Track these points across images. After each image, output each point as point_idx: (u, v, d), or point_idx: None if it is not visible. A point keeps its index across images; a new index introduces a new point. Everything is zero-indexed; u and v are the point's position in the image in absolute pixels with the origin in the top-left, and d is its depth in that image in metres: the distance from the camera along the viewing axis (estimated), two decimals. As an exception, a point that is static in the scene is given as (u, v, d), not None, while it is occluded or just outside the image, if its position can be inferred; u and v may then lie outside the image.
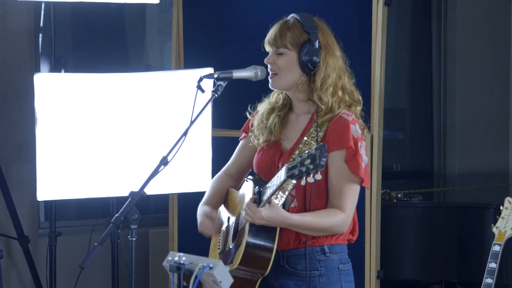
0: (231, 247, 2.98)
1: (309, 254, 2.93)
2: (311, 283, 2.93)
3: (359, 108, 3.02)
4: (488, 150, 6.55)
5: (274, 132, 3.03)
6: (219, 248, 3.10)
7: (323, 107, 2.94)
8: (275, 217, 2.82)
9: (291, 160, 2.71)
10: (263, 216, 2.80)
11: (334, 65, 2.97)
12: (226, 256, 3.00)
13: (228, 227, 3.08)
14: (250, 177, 2.95)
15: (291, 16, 3.01)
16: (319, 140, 2.91)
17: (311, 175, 2.60)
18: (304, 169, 2.60)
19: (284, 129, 3.05)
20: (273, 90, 3.10)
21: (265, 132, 3.05)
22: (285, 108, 3.08)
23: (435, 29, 6.52)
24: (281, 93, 3.09)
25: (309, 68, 2.94)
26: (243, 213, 2.87)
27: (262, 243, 2.87)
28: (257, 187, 2.86)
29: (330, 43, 3.00)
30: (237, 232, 2.98)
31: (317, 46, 2.93)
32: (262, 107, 3.12)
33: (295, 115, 3.06)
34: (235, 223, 3.02)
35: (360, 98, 3.03)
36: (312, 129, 2.96)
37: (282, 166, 2.77)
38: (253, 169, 3.06)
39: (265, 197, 2.80)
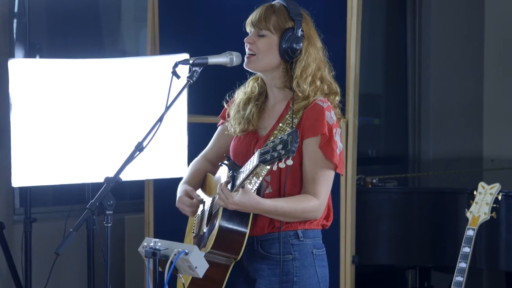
0: (205, 231, 2.99)
1: (283, 238, 2.94)
2: (285, 267, 2.95)
3: (337, 98, 3.03)
4: (462, 136, 6.59)
5: (252, 122, 3.03)
6: (193, 232, 3.11)
7: (300, 94, 2.95)
8: (248, 202, 2.82)
9: (265, 145, 2.72)
10: (235, 200, 2.81)
11: (315, 55, 2.98)
12: (199, 240, 3.01)
13: (203, 211, 3.09)
14: (225, 161, 2.95)
15: (278, 2, 3.02)
16: (294, 126, 2.92)
17: (283, 160, 2.61)
18: (276, 154, 2.60)
19: (262, 118, 3.05)
20: (247, 78, 3.10)
21: (242, 122, 3.05)
22: (262, 97, 3.08)
23: (409, 15, 6.54)
24: (257, 80, 3.09)
25: (288, 55, 2.94)
26: (217, 197, 2.88)
27: (235, 227, 2.88)
28: (230, 171, 2.87)
29: (312, 34, 3.01)
30: (211, 216, 2.99)
31: (299, 34, 2.94)
32: (238, 96, 3.12)
33: (271, 103, 3.06)
34: (209, 207, 3.04)
35: (339, 90, 3.04)
36: (287, 116, 2.97)
37: None
38: (228, 154, 3.07)
39: (238, 182, 2.80)
